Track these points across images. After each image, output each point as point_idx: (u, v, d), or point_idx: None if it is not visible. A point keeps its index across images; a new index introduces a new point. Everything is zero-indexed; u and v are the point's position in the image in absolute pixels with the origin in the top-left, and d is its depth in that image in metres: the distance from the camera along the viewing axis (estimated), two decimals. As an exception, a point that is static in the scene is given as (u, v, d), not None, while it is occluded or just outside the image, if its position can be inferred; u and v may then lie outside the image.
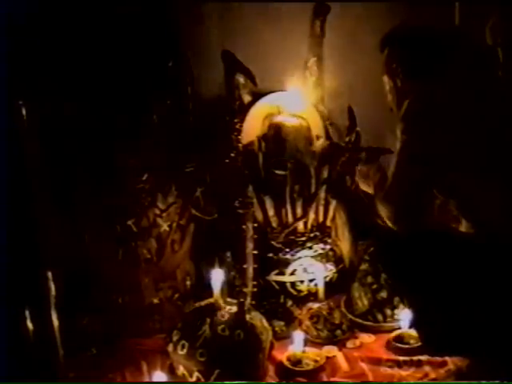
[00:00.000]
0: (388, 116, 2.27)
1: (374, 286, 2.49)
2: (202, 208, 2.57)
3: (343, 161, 2.66)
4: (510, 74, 2.23)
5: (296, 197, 2.61)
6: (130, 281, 2.43)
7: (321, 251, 2.67)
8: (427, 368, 2.17)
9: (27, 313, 1.85)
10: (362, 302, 2.50)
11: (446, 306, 1.92)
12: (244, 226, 2.48)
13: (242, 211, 2.49)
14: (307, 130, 2.67)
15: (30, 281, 1.87)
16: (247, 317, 2.13)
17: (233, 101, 2.59)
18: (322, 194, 2.65)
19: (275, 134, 2.64)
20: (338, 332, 2.40)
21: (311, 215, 2.65)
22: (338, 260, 2.72)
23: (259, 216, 2.61)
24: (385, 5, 2.77)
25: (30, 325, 1.86)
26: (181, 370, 2.10)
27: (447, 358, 2.14)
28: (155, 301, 2.46)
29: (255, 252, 2.51)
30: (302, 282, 2.61)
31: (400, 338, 2.30)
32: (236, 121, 2.57)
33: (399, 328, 2.34)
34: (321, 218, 2.69)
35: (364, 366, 2.21)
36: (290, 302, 2.57)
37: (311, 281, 2.60)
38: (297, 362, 2.21)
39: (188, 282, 2.55)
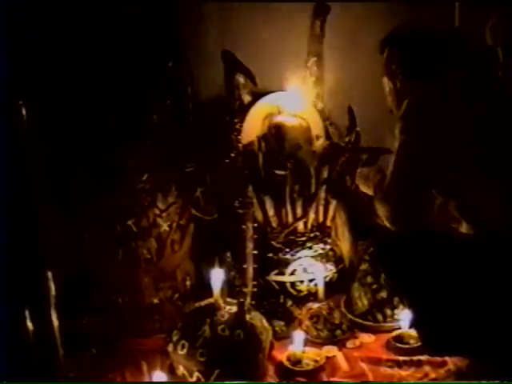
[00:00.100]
0: (388, 116, 2.27)
1: (374, 286, 2.49)
2: (202, 208, 2.57)
3: (343, 161, 2.67)
4: (510, 74, 2.23)
5: (296, 197, 2.61)
6: (130, 281, 2.43)
7: (321, 251, 2.67)
8: (427, 368, 2.17)
9: (27, 313, 1.85)
10: (362, 301, 2.50)
11: (445, 306, 1.92)
12: (244, 226, 2.48)
13: (242, 211, 2.49)
14: (307, 130, 2.68)
15: (29, 281, 1.87)
16: (247, 317, 2.13)
17: (233, 101, 2.59)
18: (322, 194, 2.65)
19: (275, 134, 2.64)
20: (338, 332, 2.40)
21: (311, 215, 2.65)
22: (337, 260, 2.72)
23: (259, 216, 2.61)
24: (385, 5, 2.77)
25: (29, 325, 1.86)
26: (181, 369, 2.10)
27: (447, 358, 2.14)
28: (155, 301, 2.46)
29: (255, 252, 2.51)
30: (301, 282, 2.61)
31: (400, 338, 2.30)
32: (236, 121, 2.57)
33: (399, 328, 2.35)
34: (321, 218, 2.69)
35: (364, 366, 2.21)
36: (289, 302, 2.57)
37: (311, 281, 2.60)
38: (297, 362, 2.21)
39: (188, 282, 2.55)
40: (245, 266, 2.49)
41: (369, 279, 2.51)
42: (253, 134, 2.64)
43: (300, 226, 2.66)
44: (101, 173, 2.33)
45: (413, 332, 2.26)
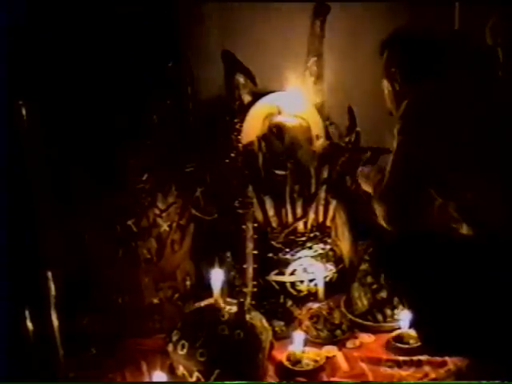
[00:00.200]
0: (388, 116, 2.27)
1: (374, 286, 2.49)
2: (202, 208, 2.57)
3: (343, 161, 2.67)
4: (510, 74, 2.23)
5: (296, 197, 2.60)
6: (130, 281, 2.43)
7: (321, 251, 2.67)
8: (427, 368, 2.17)
9: (27, 313, 1.85)
10: (362, 302, 2.50)
11: (445, 306, 1.92)
12: (244, 226, 2.48)
13: (242, 211, 2.49)
14: (307, 130, 2.68)
15: (30, 281, 1.87)
16: (247, 317, 2.13)
17: (233, 101, 2.59)
18: (322, 194, 2.65)
19: (275, 134, 2.64)
20: (338, 332, 2.40)
21: (311, 215, 2.65)
22: (337, 260, 2.72)
23: (259, 216, 2.61)
24: (385, 5, 2.77)
25: (29, 325, 1.86)
26: (181, 369, 2.10)
27: (447, 358, 2.14)
28: (155, 301, 2.46)
29: (255, 252, 2.51)
30: (301, 282, 2.61)
31: (400, 338, 2.30)
32: (236, 121, 2.57)
33: (399, 328, 2.35)
34: (321, 218, 2.69)
35: (364, 366, 2.21)
36: (290, 302, 2.57)
37: (311, 281, 2.60)
38: (297, 362, 2.21)
39: (188, 282, 2.55)
40: (245, 266, 2.49)
41: (369, 279, 2.51)
42: (253, 134, 2.64)
43: (300, 226, 2.66)
44: (101, 173, 2.33)
45: (413, 332, 2.26)
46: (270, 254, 2.63)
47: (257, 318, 2.19)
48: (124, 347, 2.32)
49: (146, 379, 2.15)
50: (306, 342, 2.29)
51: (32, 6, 2.06)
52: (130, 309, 2.43)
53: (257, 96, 2.66)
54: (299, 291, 2.61)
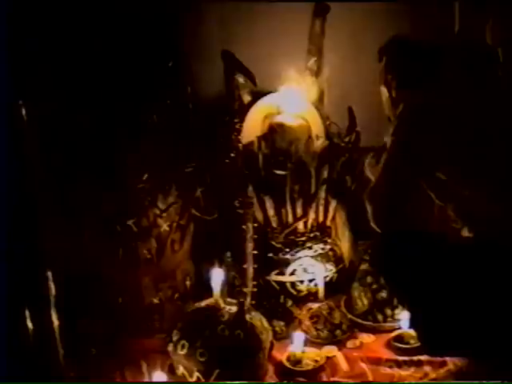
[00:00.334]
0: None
1: (374, 286, 2.49)
2: (202, 208, 2.57)
3: (343, 161, 2.66)
4: (510, 74, 2.23)
5: (296, 197, 2.60)
6: (130, 281, 2.43)
7: (321, 251, 2.67)
8: (427, 368, 2.17)
9: (27, 313, 1.85)
10: (362, 301, 2.50)
11: (444, 307, 1.92)
12: (244, 226, 2.48)
13: (242, 211, 2.49)
14: (307, 130, 2.67)
15: (29, 281, 1.87)
16: (247, 317, 2.13)
17: (233, 101, 2.59)
18: (322, 194, 2.64)
19: (275, 134, 2.64)
20: (338, 332, 2.40)
21: (311, 215, 2.65)
22: (337, 260, 2.72)
23: (259, 216, 2.61)
24: (385, 5, 2.77)
25: (29, 325, 1.85)
26: (181, 369, 2.11)
27: (447, 358, 2.14)
28: (155, 301, 2.46)
29: (255, 252, 2.51)
30: (301, 282, 2.61)
31: (400, 338, 2.30)
32: (236, 121, 2.57)
33: (399, 328, 2.35)
34: (321, 218, 2.69)
35: (364, 366, 2.22)
36: (290, 302, 2.57)
37: (311, 281, 2.60)
38: (297, 362, 2.21)
39: (188, 282, 2.55)
40: (245, 266, 2.49)
41: (369, 279, 2.51)
42: (253, 134, 2.63)
43: (300, 226, 2.66)
44: (101, 173, 2.33)
45: (413, 332, 2.25)
46: (270, 254, 2.63)
47: (257, 318, 2.19)
48: (124, 347, 2.32)
49: (146, 379, 2.15)
50: (306, 342, 2.29)
51: (32, 6, 2.06)
52: (130, 309, 2.42)
53: (257, 96, 2.66)
54: (299, 291, 2.61)
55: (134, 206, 2.39)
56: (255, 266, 2.51)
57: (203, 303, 2.21)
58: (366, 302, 2.49)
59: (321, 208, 2.67)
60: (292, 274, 2.62)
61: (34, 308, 1.87)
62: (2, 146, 1.79)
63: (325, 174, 2.62)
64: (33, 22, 2.08)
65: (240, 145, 2.57)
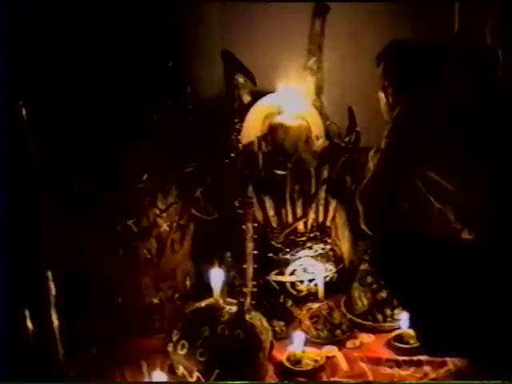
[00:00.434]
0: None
1: (374, 286, 2.49)
2: (202, 208, 2.57)
3: (343, 161, 2.67)
4: (510, 74, 2.23)
5: (296, 197, 2.60)
6: (130, 281, 2.43)
7: (321, 251, 2.67)
8: (427, 368, 2.17)
9: (27, 313, 1.85)
10: (362, 301, 2.50)
11: (443, 308, 1.92)
12: (244, 226, 2.48)
13: (242, 211, 2.49)
14: (307, 130, 2.67)
15: (29, 281, 1.87)
16: (247, 317, 2.13)
17: (233, 101, 2.59)
18: (322, 194, 2.65)
19: (275, 134, 2.64)
20: (338, 332, 2.40)
21: (311, 215, 2.65)
22: (337, 260, 2.72)
23: (259, 216, 2.61)
24: (385, 5, 2.77)
25: (29, 325, 1.85)
26: (181, 369, 2.11)
27: (447, 358, 2.14)
28: (155, 301, 2.46)
29: (255, 252, 2.51)
30: (301, 282, 2.61)
31: (400, 338, 2.30)
32: (236, 121, 2.57)
33: (399, 328, 2.35)
34: (321, 218, 2.69)
35: (364, 365, 2.22)
36: (290, 302, 2.58)
37: (311, 281, 2.60)
38: (297, 362, 2.21)
39: (188, 282, 2.55)
40: (245, 266, 2.49)
41: (369, 279, 2.51)
42: (253, 134, 2.64)
43: (300, 226, 2.66)
44: (101, 173, 2.33)
45: (412, 332, 2.25)
46: (270, 254, 2.63)
47: (257, 318, 2.19)
48: (124, 347, 2.32)
49: (146, 379, 2.15)
50: (306, 342, 2.29)
51: (32, 6, 2.06)
52: (130, 309, 2.42)
53: (257, 96, 2.66)
54: (299, 291, 2.61)
55: (134, 206, 2.39)
56: (255, 265, 2.51)
57: (203, 303, 2.21)
58: (365, 301, 2.49)
59: (321, 208, 2.67)
60: (292, 274, 2.62)
61: (34, 308, 1.87)
62: (2, 146, 1.79)
63: (325, 173, 2.63)
64: (33, 22, 2.08)
65: (240, 145, 2.57)
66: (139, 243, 2.41)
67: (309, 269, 2.62)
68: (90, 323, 2.31)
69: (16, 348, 1.82)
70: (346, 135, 2.70)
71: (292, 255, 2.63)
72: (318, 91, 2.75)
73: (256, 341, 2.13)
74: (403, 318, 2.32)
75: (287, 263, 2.62)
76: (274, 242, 2.64)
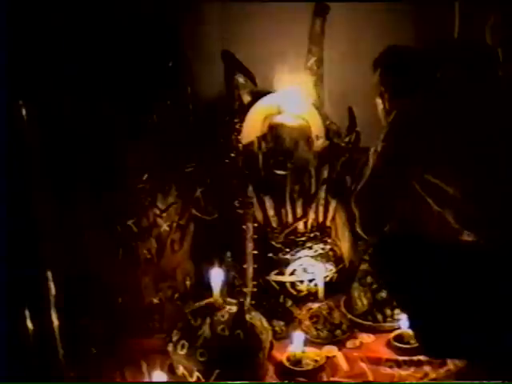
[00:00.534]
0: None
1: (374, 286, 2.49)
2: (202, 208, 2.57)
3: (343, 161, 2.67)
4: (510, 74, 2.23)
5: (296, 197, 2.60)
6: (130, 281, 2.42)
7: (321, 251, 2.67)
8: (427, 368, 2.17)
9: (27, 313, 1.85)
10: (362, 301, 2.50)
11: (443, 309, 1.91)
12: (244, 226, 2.48)
13: (242, 211, 2.49)
14: (307, 130, 2.67)
15: (29, 281, 1.87)
16: (247, 317, 2.13)
17: (233, 101, 2.59)
18: (322, 194, 2.65)
19: (275, 134, 2.64)
20: (338, 332, 2.40)
21: (311, 215, 2.65)
22: (337, 260, 2.72)
23: (259, 216, 2.61)
24: (385, 4, 2.77)
25: (29, 325, 1.86)
26: (181, 369, 2.11)
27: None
28: (155, 301, 2.46)
29: (255, 252, 2.51)
30: (301, 282, 2.61)
31: (400, 338, 2.30)
32: (236, 121, 2.57)
33: (399, 328, 2.35)
34: (321, 218, 2.69)
35: (364, 365, 2.22)
36: (289, 302, 2.57)
37: (311, 281, 2.60)
38: (297, 362, 2.21)
39: (188, 282, 2.55)
40: (245, 266, 2.49)
41: (369, 279, 2.51)
42: (253, 134, 2.64)
43: (300, 226, 2.66)
44: (101, 173, 2.33)
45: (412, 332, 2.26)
46: (270, 254, 2.63)
47: (257, 318, 2.19)
48: (124, 347, 2.32)
49: (146, 379, 2.15)
50: (306, 342, 2.29)
51: (32, 5, 2.06)
52: (130, 309, 2.42)
53: (257, 96, 2.66)
54: (299, 291, 2.61)
55: (134, 206, 2.39)
56: (255, 265, 2.51)
57: (203, 303, 2.21)
58: (365, 302, 2.49)
59: (321, 208, 2.67)
60: (292, 274, 2.62)
61: (34, 308, 1.87)
62: (2, 146, 1.79)
63: (325, 173, 2.63)
64: (33, 22, 2.08)
65: (240, 145, 2.57)
66: (139, 243, 2.41)
67: (309, 269, 2.62)
68: (90, 323, 2.31)
69: (16, 348, 1.82)
70: (346, 135, 2.70)
71: (292, 255, 2.63)
72: (318, 91, 2.75)
73: (256, 341, 2.13)
74: (403, 318, 2.31)
75: (287, 263, 2.62)
76: (273, 242, 2.63)
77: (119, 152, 2.33)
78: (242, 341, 2.08)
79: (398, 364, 2.21)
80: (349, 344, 2.36)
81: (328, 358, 2.25)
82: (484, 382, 1.94)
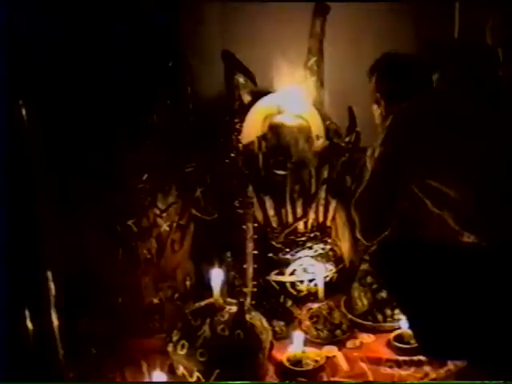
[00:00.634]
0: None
1: (374, 286, 2.49)
2: (202, 208, 2.57)
3: (343, 161, 2.67)
4: (510, 74, 2.23)
5: (296, 197, 2.61)
6: (130, 281, 2.42)
7: (321, 251, 2.67)
8: (427, 368, 2.17)
9: (27, 313, 1.85)
10: (362, 301, 2.50)
11: (443, 311, 1.91)
12: (244, 226, 2.48)
13: (242, 211, 2.49)
14: (307, 130, 2.67)
15: (29, 281, 1.87)
16: (247, 317, 2.13)
17: (233, 101, 2.59)
18: (322, 194, 2.65)
19: (275, 134, 2.64)
20: (338, 332, 2.40)
21: (311, 215, 2.65)
22: (337, 260, 2.72)
23: (259, 216, 2.61)
24: (385, 5, 2.77)
25: (29, 325, 1.85)
26: (181, 369, 2.11)
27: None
28: (155, 301, 2.46)
29: (255, 252, 2.51)
30: (301, 282, 2.61)
31: (400, 338, 2.30)
32: (236, 121, 2.57)
33: (399, 328, 2.35)
34: (321, 218, 2.69)
35: (364, 365, 2.22)
36: (289, 302, 2.58)
37: (311, 281, 2.60)
38: (297, 362, 2.21)
39: (188, 282, 2.55)
40: (245, 266, 2.49)
41: (369, 279, 2.51)
42: (253, 134, 2.64)
43: (300, 226, 2.66)
44: (101, 173, 2.33)
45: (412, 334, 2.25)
46: (270, 254, 2.63)
47: (257, 318, 2.19)
48: (124, 347, 2.32)
49: (146, 379, 2.15)
50: (306, 342, 2.29)
51: (32, 5, 2.06)
52: (129, 309, 2.42)
53: (257, 96, 2.66)
54: (299, 291, 2.61)
55: (134, 206, 2.39)
56: (255, 266, 2.51)
57: (203, 303, 2.21)
58: (365, 302, 2.49)
59: (321, 208, 2.67)
60: (292, 274, 2.62)
61: (34, 308, 1.87)
62: (2, 146, 1.79)
63: (325, 173, 2.63)
64: (33, 22, 2.08)
65: (240, 145, 2.57)
66: (139, 243, 2.41)
67: (309, 269, 2.62)
68: (90, 323, 2.31)
69: (16, 348, 1.82)
70: (346, 135, 2.70)
71: (292, 255, 2.63)
72: (318, 91, 2.75)
73: (256, 341, 2.13)
74: (403, 318, 2.31)
75: (287, 263, 2.62)
76: (274, 242, 2.64)
77: (119, 152, 2.33)
78: (242, 341, 2.08)
79: (398, 364, 2.21)
80: (349, 344, 2.36)
81: (328, 358, 2.25)
82: (484, 382, 1.94)
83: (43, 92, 2.11)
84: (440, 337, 1.93)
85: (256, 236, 2.51)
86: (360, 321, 2.47)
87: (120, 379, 2.19)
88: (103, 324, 2.34)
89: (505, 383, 1.92)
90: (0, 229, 1.77)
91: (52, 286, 1.92)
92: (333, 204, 2.69)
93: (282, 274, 2.62)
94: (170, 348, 2.13)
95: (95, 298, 2.37)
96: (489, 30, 2.39)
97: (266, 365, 2.19)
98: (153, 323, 2.44)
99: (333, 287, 2.62)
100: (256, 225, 2.53)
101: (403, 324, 2.32)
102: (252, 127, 2.64)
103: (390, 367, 2.20)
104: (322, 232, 2.70)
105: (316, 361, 2.22)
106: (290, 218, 2.63)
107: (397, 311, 2.41)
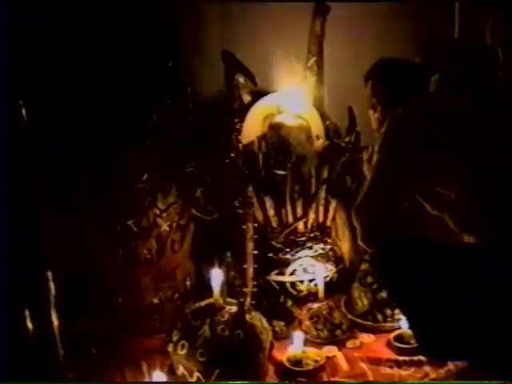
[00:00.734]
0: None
1: (374, 286, 2.49)
2: (202, 208, 2.57)
3: (343, 161, 2.67)
4: (510, 74, 2.23)
5: (296, 197, 2.61)
6: (130, 281, 2.42)
7: (321, 251, 2.67)
8: (427, 368, 2.17)
9: (27, 313, 1.85)
10: (362, 301, 2.50)
11: (443, 312, 1.91)
12: (244, 226, 2.48)
13: (242, 211, 2.49)
14: (307, 130, 2.67)
15: (29, 281, 1.87)
16: (247, 317, 2.13)
17: (233, 101, 2.59)
18: (322, 194, 2.65)
19: (275, 134, 2.64)
20: (338, 332, 2.40)
21: (311, 215, 2.65)
22: (337, 260, 2.72)
23: (259, 216, 2.61)
24: (385, 4, 2.77)
25: (29, 325, 1.85)
26: (181, 369, 2.11)
27: (447, 359, 2.14)
28: (155, 301, 2.46)
29: (255, 252, 2.51)
30: (301, 282, 2.61)
31: (400, 338, 2.30)
32: (236, 121, 2.57)
33: (399, 328, 2.35)
34: (321, 218, 2.69)
35: (364, 365, 2.22)
36: (290, 302, 2.58)
37: (311, 281, 2.60)
38: (297, 362, 2.21)
39: (188, 282, 2.55)
40: (245, 266, 2.49)
41: (369, 279, 2.51)
42: (253, 134, 2.64)
43: (300, 226, 2.66)
44: (101, 173, 2.33)
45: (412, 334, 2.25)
46: (270, 254, 2.63)
47: (257, 318, 2.19)
48: (124, 347, 2.32)
49: (146, 379, 2.15)
50: (306, 342, 2.29)
51: (32, 5, 2.06)
52: (130, 309, 2.42)
53: (257, 96, 2.66)
54: (299, 291, 2.61)
55: (134, 206, 2.39)
56: (255, 265, 2.51)
57: (203, 303, 2.21)
58: (366, 302, 2.49)
59: (321, 208, 2.67)
60: (292, 274, 2.62)
61: (34, 308, 1.87)
62: (2, 146, 1.79)
63: (325, 174, 2.63)
64: (32, 22, 2.08)
65: (240, 145, 2.57)
66: (139, 243, 2.41)
67: (309, 269, 2.62)
68: (90, 323, 2.31)
69: (16, 348, 1.82)
70: (346, 135, 2.70)
71: (292, 255, 2.63)
72: (318, 91, 2.75)
73: (256, 341, 2.13)
74: (403, 318, 2.31)
75: (287, 263, 2.62)
76: (274, 242, 2.64)
77: (119, 152, 2.33)
78: (242, 341, 2.08)
79: (398, 364, 2.21)
80: (349, 344, 2.36)
81: (328, 358, 2.25)
82: (485, 382, 1.94)
83: (43, 92, 2.11)
84: (440, 337, 1.92)
85: (256, 236, 2.51)
86: (360, 321, 2.46)
87: (120, 379, 2.19)
88: (103, 324, 2.34)
89: (505, 383, 1.92)
90: (0, 229, 1.78)
91: (52, 285, 1.93)
92: (333, 204, 2.69)
93: (282, 274, 2.62)
94: (170, 348, 2.13)
95: (95, 298, 2.37)
96: (489, 29, 2.39)
97: (266, 365, 2.19)
98: (153, 323, 2.44)
99: (333, 287, 2.62)
100: (256, 225, 2.53)
101: (403, 324, 2.32)
102: (252, 127, 2.64)
103: (390, 367, 2.20)
104: (322, 232, 2.70)
105: (316, 361, 2.22)
106: (290, 218, 2.63)
107: (397, 311, 2.41)
